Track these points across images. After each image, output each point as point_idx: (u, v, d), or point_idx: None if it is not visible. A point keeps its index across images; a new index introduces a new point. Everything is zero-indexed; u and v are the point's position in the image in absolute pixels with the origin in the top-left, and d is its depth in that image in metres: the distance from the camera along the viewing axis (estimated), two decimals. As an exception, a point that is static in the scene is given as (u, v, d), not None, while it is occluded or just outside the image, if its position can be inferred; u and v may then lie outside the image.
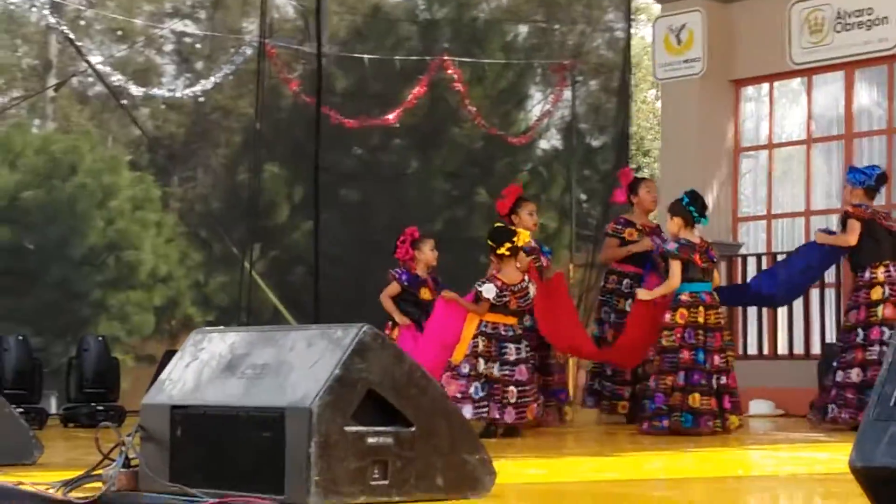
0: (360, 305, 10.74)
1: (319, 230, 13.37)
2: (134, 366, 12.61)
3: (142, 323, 13.03)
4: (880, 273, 9.09)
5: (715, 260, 9.04)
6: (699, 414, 8.63)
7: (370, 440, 4.44)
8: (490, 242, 8.79)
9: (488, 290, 8.60)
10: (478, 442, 4.72)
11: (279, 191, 13.48)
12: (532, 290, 8.76)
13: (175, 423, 4.72)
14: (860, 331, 9.04)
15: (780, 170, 13.83)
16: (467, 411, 8.22)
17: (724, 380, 8.78)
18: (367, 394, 4.50)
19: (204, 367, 4.80)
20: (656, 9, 14.73)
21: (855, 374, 8.95)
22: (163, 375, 4.92)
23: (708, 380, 8.69)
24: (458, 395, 8.33)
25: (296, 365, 4.56)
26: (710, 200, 12.95)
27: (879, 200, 12.35)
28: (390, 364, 4.57)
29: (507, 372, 8.54)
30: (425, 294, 9.58)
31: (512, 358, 8.58)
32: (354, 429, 4.42)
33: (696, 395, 8.64)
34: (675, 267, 8.79)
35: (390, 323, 9.52)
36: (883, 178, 9.45)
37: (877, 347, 8.88)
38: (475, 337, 8.58)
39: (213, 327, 5.10)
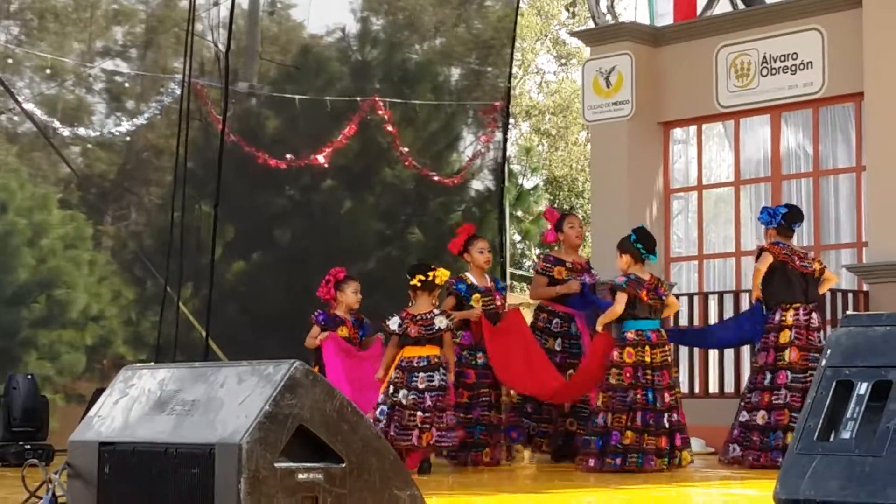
0: (292, 344, 10.70)
1: (249, 270, 13.35)
2: (64, 405, 12.49)
3: (72, 362, 12.91)
4: (789, 316, 9.17)
5: (664, 297, 9.11)
6: (646, 453, 8.72)
7: (300, 476, 4.44)
8: (407, 275, 9.11)
9: (392, 323, 8.96)
10: (409, 478, 4.73)
11: (211, 229, 13.44)
12: (439, 322, 8.89)
13: (103, 460, 4.70)
14: (768, 374, 9.13)
15: (710, 211, 13.99)
16: None
17: (675, 417, 8.87)
18: (297, 430, 4.51)
19: (133, 404, 4.79)
20: (586, 52, 14.87)
21: (760, 417, 9.05)
22: (91, 412, 4.91)
23: (657, 419, 8.77)
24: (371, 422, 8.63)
25: (226, 401, 4.56)
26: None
27: (809, 241, 12.55)
28: (321, 400, 4.58)
29: (414, 398, 8.70)
30: (342, 332, 9.62)
31: (421, 386, 8.76)
32: (284, 465, 4.43)
33: (646, 435, 8.72)
34: (620, 297, 8.87)
35: (313, 363, 9.54)
36: (793, 216, 9.54)
37: (782, 391, 8.98)
38: (394, 371, 8.89)
39: (143, 364, 5.09)
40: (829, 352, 4.08)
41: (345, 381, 9.07)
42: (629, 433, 8.71)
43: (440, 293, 9.35)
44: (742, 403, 9.25)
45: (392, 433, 8.63)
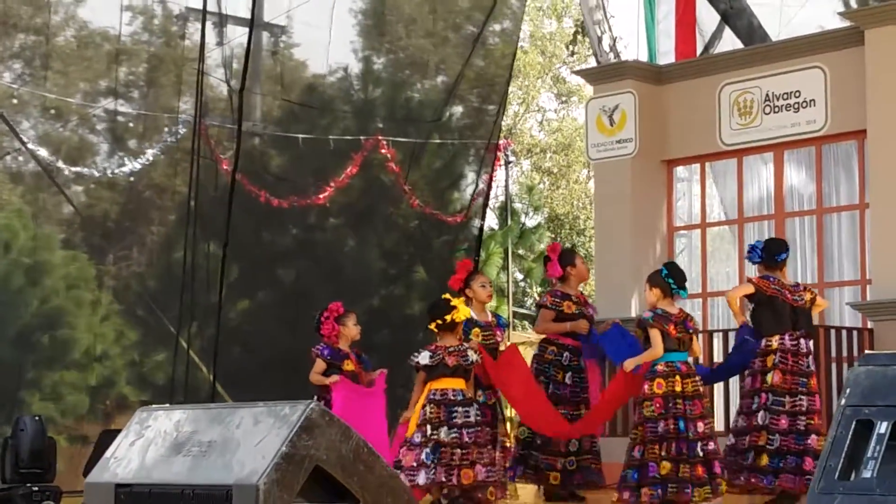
0: (296, 384, 10.69)
1: (252, 309, 13.36)
2: (67, 446, 12.45)
3: (76, 403, 12.88)
4: (774, 341, 9.23)
5: (691, 331, 9.14)
6: (684, 483, 8.71)
7: (318, 517, 4.44)
8: (431, 315, 9.06)
9: (422, 357, 8.89)
10: (425, 519, 4.73)
11: (215, 269, 13.45)
12: (472, 355, 8.89)
13: (120, 502, 4.69)
14: (755, 398, 9.18)
15: (713, 248, 14.00)
16: (421, 478, 8.50)
17: (711, 445, 8.86)
18: (314, 470, 4.50)
19: (149, 445, 4.78)
20: (589, 90, 14.93)
21: (748, 441, 9.11)
22: (107, 454, 4.89)
23: (691, 448, 8.76)
24: (414, 464, 8.59)
25: (242, 442, 4.56)
26: (645, 279, 13.07)
27: (813, 279, 12.55)
28: (337, 441, 4.58)
29: (454, 435, 8.63)
30: (348, 366, 9.66)
31: (459, 421, 8.67)
32: (301, 506, 4.42)
33: (681, 465, 8.71)
34: (656, 336, 8.87)
35: (316, 399, 9.51)
36: (773, 248, 9.55)
37: (760, 412, 9.06)
38: (424, 406, 8.71)
39: (158, 405, 5.08)
40: (847, 391, 4.08)
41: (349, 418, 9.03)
42: (665, 463, 8.71)
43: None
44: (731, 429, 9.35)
45: (442, 477, 8.53)
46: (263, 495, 4.32)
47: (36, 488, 10.09)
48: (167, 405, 5.13)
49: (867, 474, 3.90)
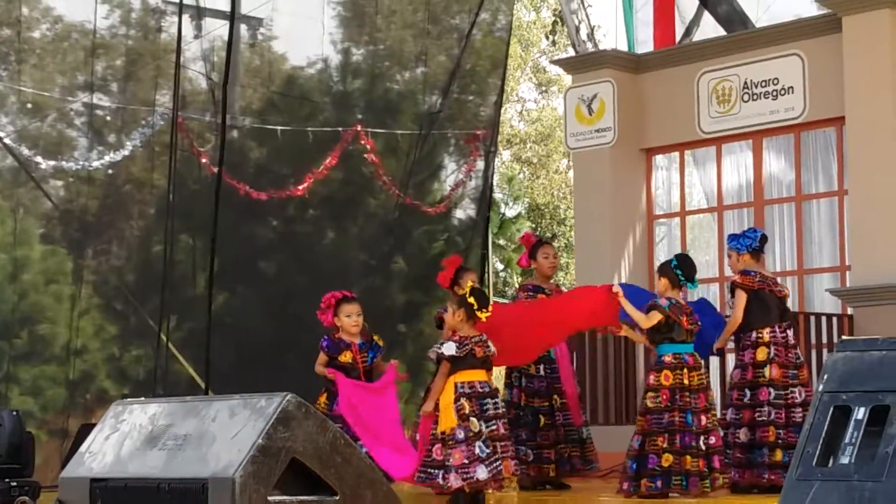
0: (277, 377, 10.66)
1: (235, 301, 13.31)
2: (47, 440, 12.40)
3: (55, 397, 12.83)
4: (766, 333, 9.20)
5: (699, 323, 9.12)
6: (690, 475, 8.65)
7: (295, 510, 4.41)
8: (474, 303, 8.68)
9: (448, 348, 8.50)
10: (403, 510, 4.70)
11: (195, 262, 13.41)
12: (492, 346, 8.71)
13: (95, 497, 4.67)
14: (747, 391, 9.14)
15: (692, 236, 14.02)
16: (482, 472, 8.22)
17: (712, 440, 8.80)
18: (290, 463, 4.48)
19: (125, 439, 4.75)
20: (568, 80, 14.93)
21: (743, 434, 9.06)
22: (82, 448, 4.86)
23: (696, 441, 8.72)
24: (466, 461, 8.26)
25: (218, 435, 4.53)
26: (625, 268, 13.10)
27: (793, 266, 12.57)
28: (314, 433, 4.56)
29: (493, 427, 8.47)
30: (345, 357, 9.30)
31: (491, 413, 8.51)
32: (278, 498, 4.41)
33: (688, 458, 8.65)
34: (654, 316, 8.81)
35: (323, 389, 9.39)
36: (765, 239, 9.59)
37: (766, 408, 9.02)
38: (457, 401, 8.46)
39: (133, 399, 5.05)
40: (825, 377, 4.07)
41: (361, 416, 8.80)
42: (668, 455, 8.65)
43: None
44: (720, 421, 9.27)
45: (500, 468, 8.33)
46: (240, 488, 4.30)
47: (14, 483, 10.03)
48: (142, 399, 5.10)
49: (845, 460, 3.89)
